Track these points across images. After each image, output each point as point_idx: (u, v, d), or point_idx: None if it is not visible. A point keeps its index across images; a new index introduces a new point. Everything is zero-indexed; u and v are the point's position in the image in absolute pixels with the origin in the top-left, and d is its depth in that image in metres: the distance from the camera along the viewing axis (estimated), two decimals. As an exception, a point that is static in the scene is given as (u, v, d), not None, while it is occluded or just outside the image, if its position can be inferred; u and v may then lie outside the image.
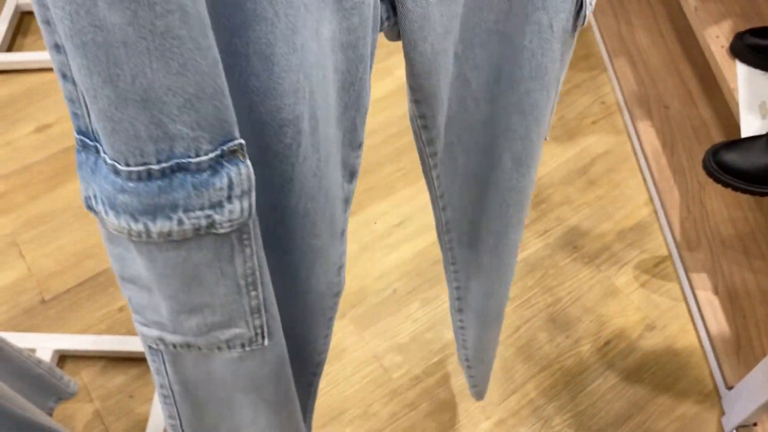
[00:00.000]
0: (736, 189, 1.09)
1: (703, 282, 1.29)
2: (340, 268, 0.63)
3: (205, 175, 0.39)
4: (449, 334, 1.27)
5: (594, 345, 1.26)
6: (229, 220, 0.42)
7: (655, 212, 1.45)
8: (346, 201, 0.58)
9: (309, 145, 0.47)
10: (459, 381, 1.22)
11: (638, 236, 1.41)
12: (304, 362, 0.70)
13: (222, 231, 0.42)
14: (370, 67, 0.50)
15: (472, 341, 0.92)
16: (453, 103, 0.60)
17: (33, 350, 1.21)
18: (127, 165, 0.38)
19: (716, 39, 1.27)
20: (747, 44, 1.21)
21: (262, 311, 0.50)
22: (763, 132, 1.13)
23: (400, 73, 1.67)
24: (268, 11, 0.39)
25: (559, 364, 1.24)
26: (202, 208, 0.40)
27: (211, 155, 0.39)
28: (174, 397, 0.59)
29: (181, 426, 0.63)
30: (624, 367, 1.23)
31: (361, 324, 1.29)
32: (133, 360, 1.24)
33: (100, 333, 1.27)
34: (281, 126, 0.44)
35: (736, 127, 1.18)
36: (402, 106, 1.63)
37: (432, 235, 1.41)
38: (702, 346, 1.26)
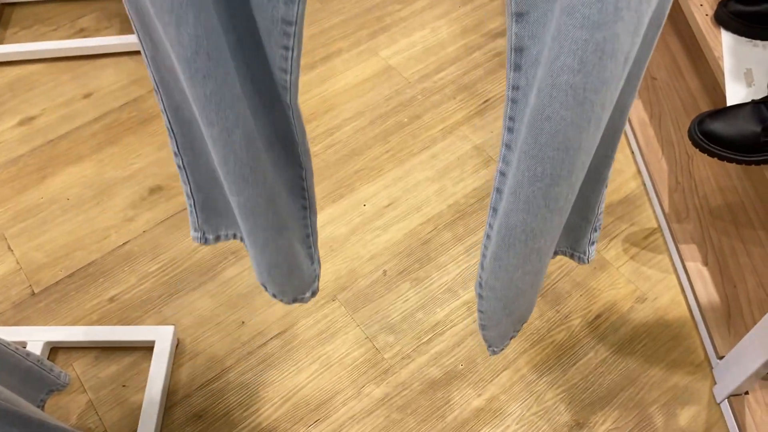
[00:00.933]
0: (722, 158, 1.08)
1: (692, 253, 1.29)
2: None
3: None
4: (441, 313, 1.27)
5: (584, 319, 1.26)
6: None
7: (644, 185, 1.44)
8: None
9: None
10: (451, 359, 1.22)
11: (627, 209, 1.41)
12: (268, 72, 0.64)
13: None
14: None
15: (489, 259, 0.75)
16: None
17: (24, 344, 1.21)
18: None
19: (700, 8, 1.26)
20: (731, 12, 1.20)
21: None
22: (749, 100, 1.13)
23: (385, 53, 1.66)
24: None
25: (550, 339, 1.24)
26: None
27: None
28: None
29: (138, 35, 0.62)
30: (615, 340, 1.24)
31: (351, 306, 1.29)
32: (126, 349, 1.24)
33: (92, 324, 1.27)
34: None
35: (723, 97, 1.18)
36: (388, 88, 1.62)
37: (421, 216, 1.41)
38: (693, 317, 1.26)
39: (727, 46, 1.20)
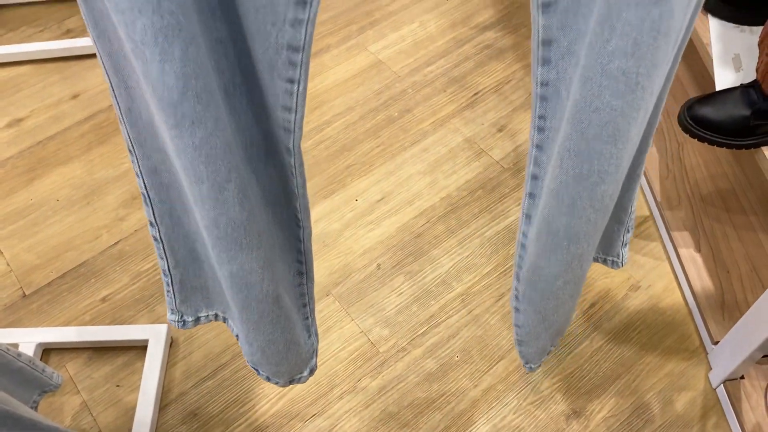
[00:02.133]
0: (712, 143, 1.09)
1: (685, 240, 1.29)
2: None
3: None
4: (435, 306, 1.27)
5: (579, 308, 1.26)
6: None
7: (636, 173, 1.44)
8: None
9: None
10: (446, 351, 1.22)
11: (620, 198, 1.41)
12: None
13: None
14: None
15: (526, 269, 0.71)
16: None
17: (16, 345, 1.20)
18: None
19: (687, -6, 1.26)
20: (718, -3, 1.20)
21: None
22: (737, 84, 1.13)
23: (375, 47, 1.66)
24: None
25: (545, 329, 1.24)
26: None
27: None
28: None
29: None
30: (610, 328, 1.24)
31: (346, 301, 1.28)
32: (119, 349, 1.23)
33: (84, 324, 1.26)
34: None
35: (712, 83, 1.18)
36: (378, 82, 1.62)
37: (413, 210, 1.41)
38: (687, 304, 1.26)
39: (714, 33, 1.20)
